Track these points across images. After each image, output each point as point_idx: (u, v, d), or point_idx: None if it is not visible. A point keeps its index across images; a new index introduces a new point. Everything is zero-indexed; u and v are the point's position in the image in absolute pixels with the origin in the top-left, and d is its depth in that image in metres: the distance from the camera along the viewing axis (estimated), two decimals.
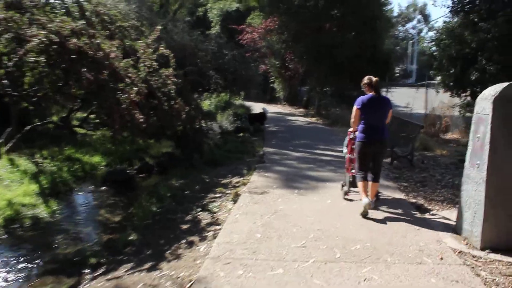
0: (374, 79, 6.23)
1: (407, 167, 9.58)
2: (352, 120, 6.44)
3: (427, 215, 6.28)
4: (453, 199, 7.06)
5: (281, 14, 21.40)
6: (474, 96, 13.08)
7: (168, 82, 9.45)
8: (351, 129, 6.71)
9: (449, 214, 6.23)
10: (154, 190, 8.51)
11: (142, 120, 7.36)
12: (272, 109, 24.93)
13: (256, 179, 8.27)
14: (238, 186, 7.98)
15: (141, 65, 9.11)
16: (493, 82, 11.24)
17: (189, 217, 6.58)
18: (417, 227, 5.61)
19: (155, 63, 9.41)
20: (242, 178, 8.58)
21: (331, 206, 6.52)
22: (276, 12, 21.63)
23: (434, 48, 13.96)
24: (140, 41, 9.18)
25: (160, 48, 9.72)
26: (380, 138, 6.19)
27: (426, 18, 68.63)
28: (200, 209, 6.80)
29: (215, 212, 6.56)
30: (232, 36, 22.44)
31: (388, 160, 10.29)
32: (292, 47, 21.99)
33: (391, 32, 26.03)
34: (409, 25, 67.74)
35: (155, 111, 9.10)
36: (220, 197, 7.39)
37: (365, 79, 6.30)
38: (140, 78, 8.90)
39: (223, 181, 8.59)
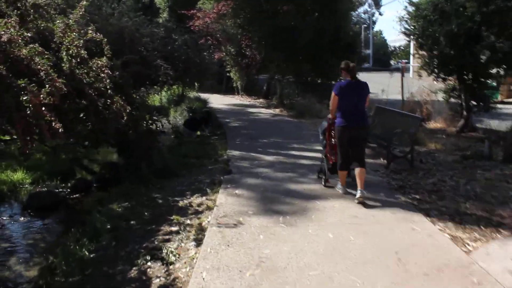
0: (351, 64, 6.23)
1: (407, 169, 7.82)
2: (330, 107, 6.40)
3: (482, 263, 4.46)
4: (490, 218, 5.33)
5: None
6: (462, 80, 11.54)
7: (102, 75, 7.24)
8: (329, 116, 6.62)
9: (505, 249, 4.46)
10: (89, 220, 6.37)
11: (60, 129, 5.18)
12: (230, 100, 22.86)
13: (224, 200, 6.26)
14: (201, 212, 5.95)
15: (63, 53, 6.87)
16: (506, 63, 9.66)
17: (134, 273, 4.51)
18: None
19: (83, 52, 7.18)
20: (205, 198, 6.56)
21: (337, 243, 4.61)
22: None
23: (407, 26, 12.24)
24: (58, 21, 6.90)
25: (89, 32, 7.48)
26: (361, 122, 6.14)
27: (377, 2, 68.08)
28: (149, 256, 4.73)
29: (171, 263, 4.51)
30: (182, 22, 20.19)
31: (380, 161, 8.53)
32: (248, 32, 19.93)
33: (354, 13, 24.40)
34: (360, 10, 66.93)
35: (85, 113, 6.89)
36: (177, 232, 5.34)
37: (342, 64, 6.30)
38: (62, 71, 6.67)
39: (180, 203, 6.55)
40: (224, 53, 22.56)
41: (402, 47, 67.76)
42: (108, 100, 7.14)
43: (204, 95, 21.05)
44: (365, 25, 64.22)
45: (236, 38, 20.60)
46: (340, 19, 19.42)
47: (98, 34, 7.63)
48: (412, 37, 11.75)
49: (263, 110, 18.57)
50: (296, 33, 17.57)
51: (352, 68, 6.18)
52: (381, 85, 19.50)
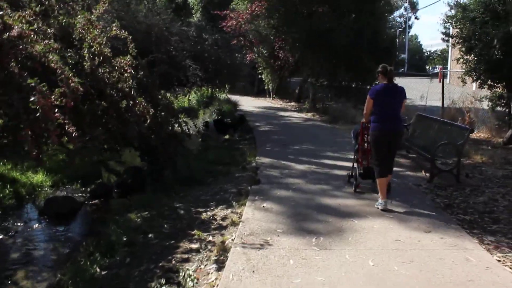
0: (388, 67, 6.06)
1: (452, 185, 7.10)
2: (365, 111, 6.27)
3: None
4: None
5: None
6: (509, 87, 10.67)
7: (125, 75, 6.81)
8: (363, 120, 6.54)
9: None
10: (105, 231, 5.91)
11: (74, 133, 4.72)
12: (261, 103, 22.36)
13: (250, 214, 5.70)
14: (225, 228, 5.41)
15: (85, 51, 6.46)
16: None
17: None
18: None
19: (106, 49, 6.76)
20: (230, 211, 6.02)
21: (379, 274, 3.97)
22: None
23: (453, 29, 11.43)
24: (79, 16, 6.48)
25: (113, 29, 7.06)
26: (396, 128, 6.04)
27: (413, 6, 66.45)
28: (164, 280, 4.20)
29: None
30: (215, 23, 19.79)
31: (421, 174, 7.82)
32: (282, 33, 19.35)
33: (391, 16, 23.52)
34: (396, 14, 65.41)
35: (106, 116, 6.46)
36: (198, 250, 4.81)
37: (379, 67, 6.10)
38: (83, 70, 6.28)
39: (203, 215, 6.02)
40: (256, 55, 22.08)
41: (438, 52, 66.03)
42: (131, 102, 6.69)
43: (234, 97, 20.58)
44: (400, 29, 62.80)
45: (269, 39, 20.07)
46: (378, 21, 18.65)
47: (123, 31, 7.18)
48: (458, 40, 10.90)
49: (294, 114, 17.97)
50: (332, 35, 16.88)
51: (389, 72, 6.03)
52: (417, 91, 18.67)
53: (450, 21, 11.44)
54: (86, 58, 6.48)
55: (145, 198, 7.29)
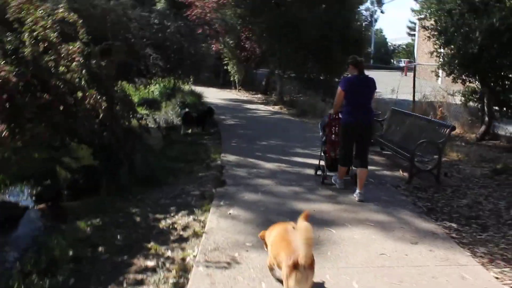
0: (359, 58, 6.05)
1: (432, 186, 6.64)
2: (335, 102, 6.27)
3: None
4: None
5: None
6: (485, 82, 10.33)
7: (74, 64, 6.02)
8: (331, 111, 6.52)
9: None
10: (48, 244, 5.13)
11: (3, 132, 3.95)
12: (226, 95, 21.62)
13: (215, 223, 5.05)
14: (185, 240, 4.74)
15: (25, 35, 5.64)
16: None
17: None
18: None
19: (52, 34, 5.95)
20: (192, 218, 5.36)
21: None
22: None
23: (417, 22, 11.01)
24: None
25: (60, 10, 6.24)
26: (367, 119, 5.97)
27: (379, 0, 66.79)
28: None
29: None
30: (180, 12, 18.89)
31: (399, 173, 7.35)
32: (249, 23, 18.63)
33: (360, 8, 23.06)
34: (362, 7, 65.57)
35: (50, 110, 5.66)
36: (154, 269, 4.11)
37: (350, 58, 6.11)
38: (23, 58, 5.47)
39: (162, 223, 5.34)
40: (222, 45, 21.31)
41: (403, 46, 66.73)
42: (80, 94, 5.90)
43: (199, 89, 19.78)
44: (366, 23, 62.98)
45: (235, 29, 19.31)
46: (349, 12, 18.17)
47: (72, 14, 6.35)
48: (433, 33, 10.46)
49: (261, 107, 17.36)
50: (302, 26, 16.29)
51: (360, 63, 5.99)
52: (385, 84, 18.36)
53: (423, 13, 11.00)
54: (26, 43, 5.65)
55: (97, 202, 6.53)
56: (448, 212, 5.54)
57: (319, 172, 6.86)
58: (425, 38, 11.57)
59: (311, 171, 7.31)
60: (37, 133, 5.46)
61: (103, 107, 6.15)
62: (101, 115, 6.31)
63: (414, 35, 61.37)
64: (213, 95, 20.41)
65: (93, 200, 6.66)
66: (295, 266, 2.96)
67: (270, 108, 17.08)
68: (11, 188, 7.72)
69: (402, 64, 51.58)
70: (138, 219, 5.69)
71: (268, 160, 8.11)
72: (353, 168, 6.32)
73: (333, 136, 6.56)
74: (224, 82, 26.30)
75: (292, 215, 5.16)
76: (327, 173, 6.60)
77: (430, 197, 6.14)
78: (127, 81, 10.56)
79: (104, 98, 6.61)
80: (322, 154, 6.82)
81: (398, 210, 5.47)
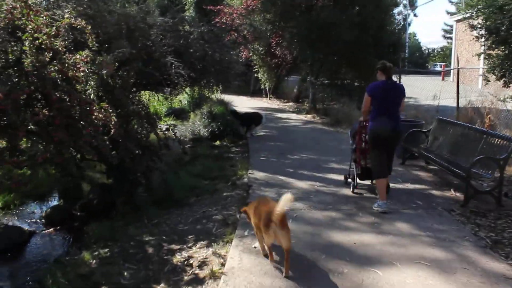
0: (387, 64, 5.82)
1: (492, 209, 5.68)
2: (363, 109, 6.07)
3: None
4: None
5: None
6: None
7: (80, 74, 5.37)
8: (361, 118, 6.31)
9: None
10: (44, 284, 4.46)
11: None
12: (257, 103, 20.87)
13: (237, 260, 4.25)
14: (201, 282, 3.97)
15: (26, 44, 5.02)
16: None
17: None
18: None
19: (58, 43, 5.32)
20: (211, 251, 4.59)
21: None
22: None
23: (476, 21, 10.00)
24: None
25: (66, 16, 5.62)
26: (395, 126, 5.75)
27: (412, 3, 65.10)
28: None
29: None
30: (209, 20, 18.32)
31: (450, 193, 6.40)
32: (279, 28, 17.87)
33: (394, 11, 21.99)
34: (395, 11, 63.99)
35: (50, 127, 5.01)
36: None
37: (379, 64, 5.91)
38: (24, 67, 4.85)
39: (176, 258, 4.60)
40: (251, 52, 20.63)
41: (439, 49, 64.76)
42: (87, 108, 5.24)
43: (228, 97, 19.11)
44: (399, 27, 61.43)
45: (265, 35, 18.59)
46: (383, 14, 17.18)
47: (79, 20, 5.72)
48: (481, 33, 9.46)
49: (293, 116, 16.53)
50: (334, 30, 15.42)
51: (388, 69, 5.80)
52: (422, 89, 17.31)
53: (468, 11, 9.99)
54: (28, 53, 5.03)
55: (109, 226, 5.86)
56: None
57: (349, 180, 6.67)
58: (473, 39, 10.51)
59: (348, 191, 6.46)
60: (35, 153, 4.80)
61: (113, 122, 5.45)
62: (112, 131, 5.62)
63: (450, 38, 59.75)
64: (242, 104, 19.70)
65: (105, 224, 5.99)
66: (268, 224, 3.70)
67: (302, 117, 16.23)
68: (23, 208, 7.18)
69: (438, 68, 49.88)
70: (150, 250, 4.97)
71: (300, 178, 7.28)
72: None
73: (363, 143, 6.36)
74: (254, 90, 25.61)
75: (329, 251, 4.36)
76: (358, 183, 6.44)
77: (492, 225, 5.18)
78: (151, 91, 9.89)
79: (116, 111, 5.96)
80: (352, 162, 6.58)
81: (457, 244, 4.56)
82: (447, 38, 61.36)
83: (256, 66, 21.56)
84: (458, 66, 12.90)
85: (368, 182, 6.65)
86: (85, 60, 5.46)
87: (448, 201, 6.05)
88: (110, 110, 5.79)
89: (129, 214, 6.41)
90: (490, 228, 5.08)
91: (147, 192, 6.80)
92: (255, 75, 22.69)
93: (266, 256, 4.19)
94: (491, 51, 9.85)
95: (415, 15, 77.45)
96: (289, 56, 19.75)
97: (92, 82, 5.65)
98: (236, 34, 17.81)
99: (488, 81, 10.11)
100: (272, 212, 3.68)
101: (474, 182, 6.13)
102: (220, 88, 13.66)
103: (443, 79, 37.42)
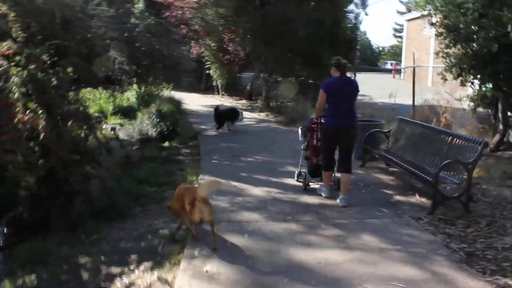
0: (342, 60, 5.89)
1: (460, 216, 5.34)
2: (317, 106, 6.10)
3: None
4: None
5: None
6: (498, 86, 9.11)
7: None
8: (313, 115, 6.38)
9: None
10: None
11: None
12: (209, 101, 20.19)
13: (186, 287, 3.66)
14: None
15: None
16: None
17: None
18: None
19: None
20: (156, 276, 3.96)
21: None
22: None
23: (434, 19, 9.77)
24: None
25: None
26: (352, 123, 5.79)
27: (363, 1, 66.12)
28: None
29: None
30: (159, 14, 17.48)
31: (415, 198, 6.03)
32: (232, 23, 17.27)
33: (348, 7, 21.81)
34: (348, 8, 64.71)
35: None
36: None
37: (333, 60, 5.95)
38: None
39: (116, 284, 3.93)
40: (203, 48, 19.94)
41: (389, 48, 66.02)
42: (8, 110, 4.48)
43: (179, 95, 18.39)
44: (350, 25, 62.14)
45: (217, 31, 17.95)
46: (338, 11, 16.91)
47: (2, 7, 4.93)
48: (440, 31, 9.21)
49: (246, 114, 15.87)
50: (289, 25, 14.98)
51: (343, 65, 5.84)
52: (375, 87, 17.23)
53: (426, 8, 9.73)
54: None
55: (40, 246, 5.09)
56: (494, 259, 4.20)
57: (300, 178, 6.64)
58: (430, 37, 10.29)
59: (308, 198, 5.98)
60: None
61: (42, 125, 4.71)
62: (41, 136, 4.87)
63: (400, 37, 60.98)
64: (194, 102, 19.04)
65: (34, 244, 5.22)
66: (194, 203, 4.09)
67: (255, 115, 15.74)
68: None
69: (388, 66, 50.76)
70: (86, 275, 4.28)
71: (256, 183, 6.74)
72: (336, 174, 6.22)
73: (315, 141, 6.27)
74: (206, 87, 24.95)
75: (291, 272, 3.83)
76: (310, 180, 6.39)
77: (463, 234, 4.81)
78: (93, 88, 9.07)
79: (47, 113, 5.21)
80: (304, 159, 6.53)
81: (430, 259, 4.13)
82: (397, 37, 62.57)
83: (208, 63, 20.91)
84: (414, 64, 12.67)
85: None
86: (6, 53, 4.69)
87: (414, 208, 5.67)
88: (40, 111, 5.06)
89: (65, 230, 5.66)
90: (461, 238, 4.71)
91: (85, 203, 6.04)
92: (207, 71, 22.03)
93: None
94: (448, 50, 9.61)
95: (366, 14, 78.75)
96: (242, 52, 19.22)
97: (16, 78, 4.87)
98: (186, 29, 17.04)
99: (446, 79, 9.89)
100: (195, 193, 4.23)
101: (444, 190, 5.78)
102: (171, 85, 12.97)
103: (393, 77, 38.08)
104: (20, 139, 4.45)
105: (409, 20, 34.39)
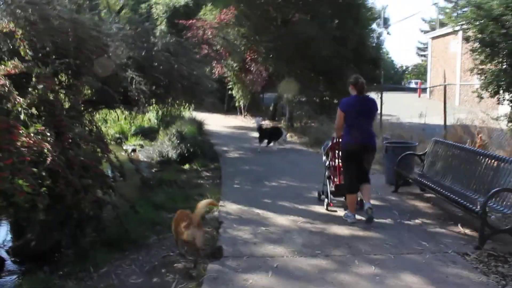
0: (360, 79, 5.77)
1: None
2: (336, 125, 6.08)
3: None
4: None
5: (238, 2, 16.49)
6: None
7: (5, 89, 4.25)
8: (334, 135, 6.33)
9: None
10: None
11: None
12: (231, 122, 19.91)
13: None
14: None
15: None
16: None
17: None
18: None
19: None
20: None
21: None
22: (232, 2, 16.69)
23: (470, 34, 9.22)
24: None
25: None
26: (370, 141, 5.72)
27: (385, 21, 65.58)
28: None
29: None
30: (181, 35, 17.30)
31: (458, 229, 5.43)
32: (254, 43, 16.96)
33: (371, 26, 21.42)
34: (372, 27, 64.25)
35: None
36: None
37: (351, 78, 5.88)
38: None
39: None
40: (225, 68, 19.66)
41: (413, 67, 65.15)
42: (8, 132, 4.11)
43: (202, 115, 18.09)
44: (373, 45, 61.59)
45: (239, 50, 17.64)
46: (362, 28, 16.48)
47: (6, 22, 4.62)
48: (475, 46, 8.67)
49: None
50: (312, 44, 14.58)
51: (360, 84, 5.73)
52: (401, 106, 16.60)
53: (460, 22, 9.21)
54: None
55: (41, 280, 4.67)
56: None
57: (322, 197, 6.53)
58: (466, 52, 9.73)
59: (338, 229, 5.45)
60: None
61: (47, 149, 4.33)
62: (48, 160, 4.49)
63: (424, 55, 60.14)
64: (216, 122, 18.71)
65: (40, 276, 4.80)
66: (189, 227, 4.45)
67: None
68: None
69: (413, 85, 49.87)
70: None
71: (280, 211, 6.22)
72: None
73: (337, 160, 6.26)
74: (229, 108, 24.64)
75: None
76: (332, 199, 6.28)
77: None
78: (109, 109, 8.74)
79: (56, 135, 4.86)
80: (326, 179, 6.41)
81: None
82: (421, 55, 61.79)
83: (230, 83, 20.60)
84: (445, 82, 12.07)
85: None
86: (12, 71, 4.34)
87: (458, 241, 5.06)
88: (48, 134, 4.69)
89: (74, 260, 5.25)
90: None
91: (96, 232, 5.62)
92: (229, 92, 21.74)
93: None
94: (484, 66, 9.05)
95: (388, 33, 78.18)
96: (265, 72, 18.86)
97: (22, 99, 4.52)
98: (208, 48, 16.78)
99: (482, 97, 9.28)
100: (191, 218, 4.52)
101: (495, 221, 5.18)
102: (192, 105, 12.61)
103: (419, 96, 37.22)
104: (22, 164, 4.05)
105: (434, 38, 33.70)
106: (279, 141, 12.24)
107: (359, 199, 5.94)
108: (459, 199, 5.32)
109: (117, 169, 6.24)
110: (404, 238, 5.11)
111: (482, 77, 9.14)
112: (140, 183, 7.82)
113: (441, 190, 5.87)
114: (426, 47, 44.75)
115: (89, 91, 7.51)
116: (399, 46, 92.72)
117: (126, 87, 7.40)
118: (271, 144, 12.15)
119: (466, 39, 9.18)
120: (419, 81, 49.50)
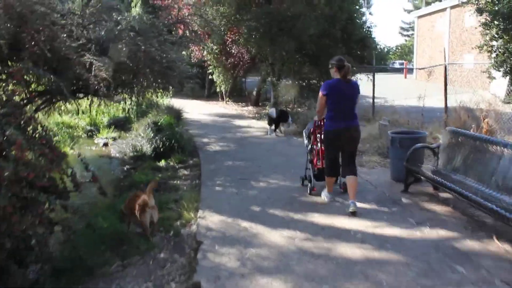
0: (346, 62, 5.55)
1: None
2: (317, 109, 5.89)
3: None
4: None
5: None
6: None
7: None
8: (316, 118, 6.15)
9: None
10: None
11: None
12: (212, 109, 18.65)
13: None
14: None
15: None
16: None
17: None
18: None
19: None
20: None
21: None
22: None
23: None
24: None
25: None
26: (353, 125, 5.59)
27: (368, 1, 64.51)
28: None
29: None
30: (158, 17, 15.94)
31: (494, 242, 4.37)
32: (235, 22, 15.66)
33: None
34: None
35: None
36: None
37: (335, 59, 5.61)
38: None
39: None
40: (205, 51, 18.35)
41: (396, 47, 64.24)
42: None
43: (180, 102, 16.84)
44: (361, 24, 60.46)
45: (219, 31, 16.34)
46: (351, 4, 15.33)
47: None
48: (489, 20, 7.58)
49: (253, 123, 14.36)
50: (299, 23, 13.38)
51: (347, 68, 5.48)
52: (388, 88, 15.62)
53: None
54: None
55: None
56: None
57: (305, 182, 6.47)
58: (477, 27, 8.64)
59: (347, 249, 4.34)
60: None
61: None
62: None
63: (407, 35, 59.23)
64: (196, 110, 17.49)
65: None
66: (144, 209, 4.81)
67: (264, 124, 14.08)
68: None
69: (396, 66, 48.96)
70: None
71: (272, 224, 5.09)
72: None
73: (319, 144, 6.16)
74: (209, 94, 23.41)
75: None
76: (314, 184, 6.21)
77: None
78: (62, 101, 7.41)
79: None
80: (309, 163, 6.36)
81: None
82: (405, 35, 60.86)
83: (211, 67, 19.33)
84: (445, 62, 10.96)
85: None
86: None
87: (501, 263, 3.97)
88: None
89: None
90: None
91: (41, 262, 4.44)
92: (210, 76, 20.47)
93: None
94: (494, 42, 7.97)
95: (370, 13, 77.01)
96: (247, 54, 17.62)
97: None
98: (184, 29, 15.43)
99: (493, 78, 8.22)
100: (145, 201, 4.85)
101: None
102: (168, 93, 11.35)
103: (405, 77, 36.26)
104: None
105: (420, 16, 32.64)
106: (286, 126, 12.08)
107: (342, 182, 6.04)
108: (490, 205, 4.25)
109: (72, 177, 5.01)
110: (432, 261, 4.01)
111: (493, 55, 8.06)
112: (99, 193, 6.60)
113: (465, 192, 4.80)
114: (410, 27, 43.78)
115: (43, 82, 6.28)
116: (381, 26, 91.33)
117: (83, 74, 6.15)
118: (277, 130, 12.04)
119: (478, 11, 8.06)
120: (404, 61, 48.57)
